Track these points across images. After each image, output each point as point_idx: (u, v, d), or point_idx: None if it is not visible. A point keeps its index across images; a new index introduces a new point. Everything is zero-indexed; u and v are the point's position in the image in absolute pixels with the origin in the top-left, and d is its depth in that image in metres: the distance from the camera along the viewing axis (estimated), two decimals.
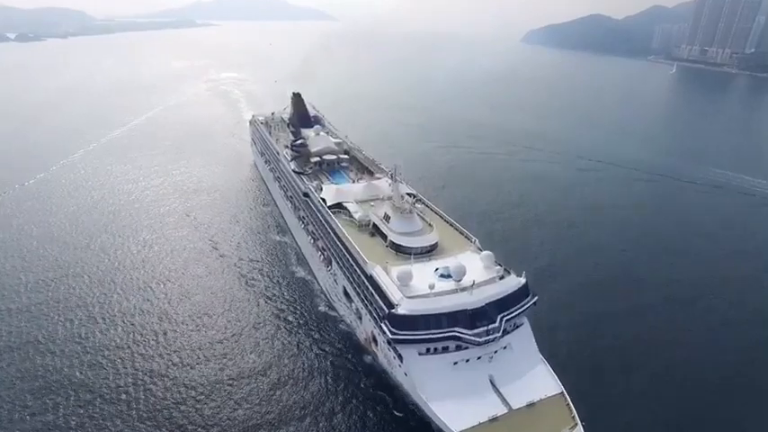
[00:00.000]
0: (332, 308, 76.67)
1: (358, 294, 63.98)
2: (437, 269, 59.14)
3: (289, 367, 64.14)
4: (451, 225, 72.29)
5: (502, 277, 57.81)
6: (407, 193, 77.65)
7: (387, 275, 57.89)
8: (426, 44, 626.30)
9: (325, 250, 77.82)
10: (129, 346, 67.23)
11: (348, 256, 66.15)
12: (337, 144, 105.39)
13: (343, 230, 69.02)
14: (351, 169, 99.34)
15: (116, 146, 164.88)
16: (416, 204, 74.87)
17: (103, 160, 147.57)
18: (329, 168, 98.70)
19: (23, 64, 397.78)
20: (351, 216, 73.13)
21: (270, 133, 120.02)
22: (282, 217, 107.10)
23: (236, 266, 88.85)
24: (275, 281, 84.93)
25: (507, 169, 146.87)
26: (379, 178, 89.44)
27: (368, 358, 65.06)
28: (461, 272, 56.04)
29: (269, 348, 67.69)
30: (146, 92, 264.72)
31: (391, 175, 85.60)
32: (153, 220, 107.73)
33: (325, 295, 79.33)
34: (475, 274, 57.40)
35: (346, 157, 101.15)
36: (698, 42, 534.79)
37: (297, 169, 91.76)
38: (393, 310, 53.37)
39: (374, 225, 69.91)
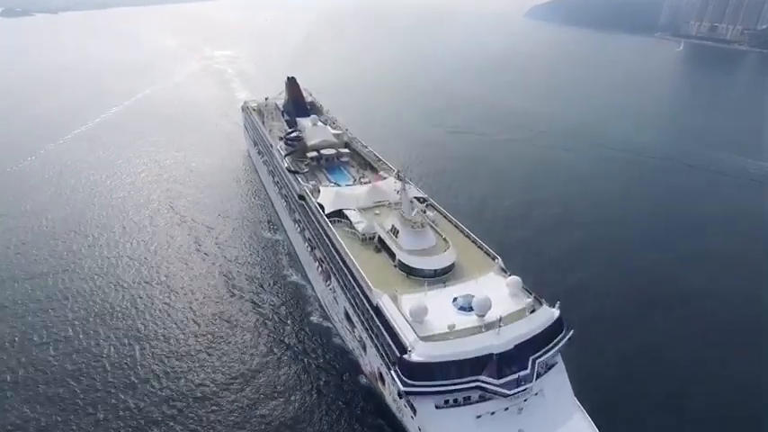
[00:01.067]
0: (326, 318, 69.12)
1: (362, 323, 55.22)
2: (456, 299, 50.13)
3: (272, 384, 57.88)
4: (468, 237, 63.04)
5: (533, 310, 48.84)
6: (417, 198, 68.47)
7: (396, 308, 48.94)
8: (428, 19, 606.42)
9: (323, 262, 68.86)
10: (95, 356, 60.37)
11: (350, 277, 57.21)
12: (336, 136, 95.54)
13: (345, 246, 59.88)
14: (351, 165, 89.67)
15: (106, 129, 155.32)
16: (427, 212, 65.64)
17: (91, 145, 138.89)
18: (328, 164, 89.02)
19: (10, 41, 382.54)
20: (352, 227, 63.81)
21: (263, 122, 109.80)
22: (276, 212, 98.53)
23: (220, 267, 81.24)
24: (264, 285, 77.46)
25: (518, 158, 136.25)
26: (383, 177, 79.98)
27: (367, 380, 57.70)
28: (486, 306, 47.06)
29: (251, 363, 61.08)
30: (139, 71, 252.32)
31: (398, 174, 76.66)
32: (133, 212, 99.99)
33: (319, 303, 71.90)
34: (500, 304, 48.46)
35: (346, 151, 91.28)
36: (707, 18, 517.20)
37: (291, 168, 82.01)
38: (405, 356, 44.54)
39: (380, 239, 60.69)
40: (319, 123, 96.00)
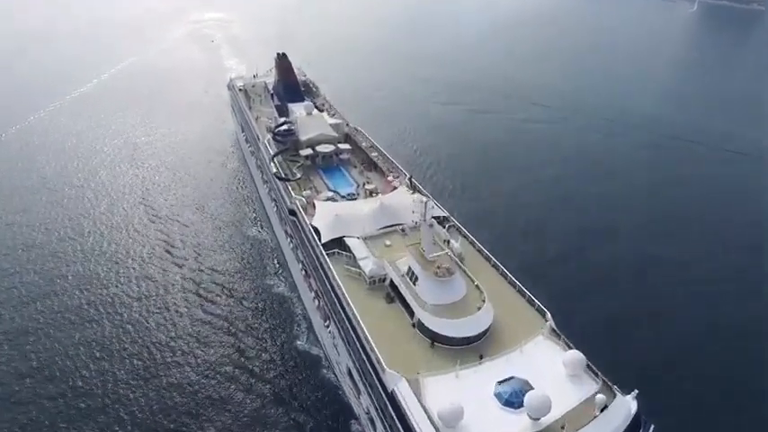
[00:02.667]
0: (315, 343, 59.53)
1: (372, 402, 42.53)
2: (499, 386, 36.99)
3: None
4: (504, 277, 49.51)
5: (605, 406, 35.76)
6: (437, 218, 54.59)
7: (418, 400, 35.89)
8: None
9: (320, 297, 55.73)
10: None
11: (356, 342, 44.04)
12: (335, 127, 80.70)
13: (347, 295, 46.35)
14: (353, 164, 75.35)
15: (82, 105, 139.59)
16: (451, 241, 51.84)
17: (60, 125, 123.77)
18: (325, 164, 74.56)
19: None
20: (356, 264, 50.07)
21: (250, 106, 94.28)
22: (264, 209, 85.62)
23: (193, 274, 71.09)
24: (243, 298, 67.27)
25: (546, 146, 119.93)
26: (392, 184, 65.94)
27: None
28: (544, 407, 33.97)
29: (221, 401, 52.01)
30: (123, 37, 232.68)
31: (410, 180, 62.85)
32: (98, 205, 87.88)
33: (308, 324, 62.42)
34: (558, 393, 35.44)
35: (347, 147, 76.51)
36: None
37: (281, 174, 67.49)
38: None
39: (392, 284, 47.14)
40: (315, 112, 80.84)
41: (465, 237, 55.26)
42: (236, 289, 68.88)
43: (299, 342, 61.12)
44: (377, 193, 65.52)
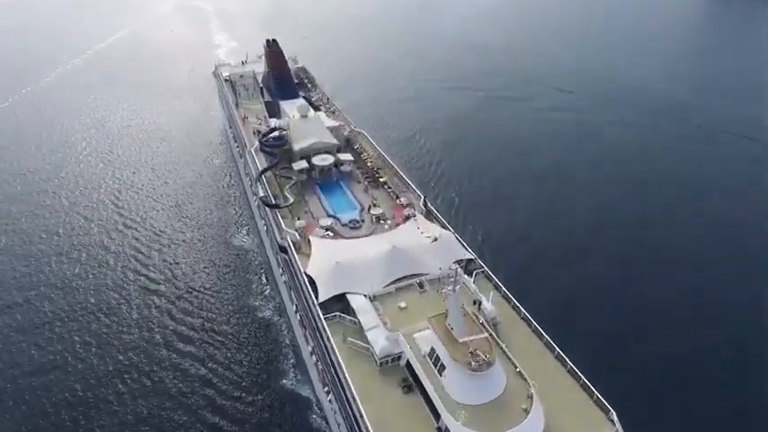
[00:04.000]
0: (305, 382, 50.92)
1: None
2: None
3: None
4: (550, 349, 39.03)
5: None
6: (460, 263, 44.01)
7: None
8: None
9: (318, 360, 45.45)
10: None
11: None
12: (334, 130, 69.03)
13: (353, 382, 35.95)
14: (356, 178, 64.01)
15: (61, 88, 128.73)
16: (482, 302, 41.20)
17: (29, 113, 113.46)
18: (323, 178, 63.21)
19: None
20: (363, 337, 39.43)
21: (237, 103, 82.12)
22: (251, 211, 75.56)
23: (167, 293, 62.10)
24: (223, 322, 58.23)
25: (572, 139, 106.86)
26: (403, 208, 54.94)
27: None
28: None
29: None
30: (107, 11, 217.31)
31: (424, 202, 52.15)
32: (58, 213, 77.79)
33: (294, 355, 53.96)
34: None
35: (349, 157, 64.96)
36: None
37: (269, 200, 56.01)
38: None
39: (409, 367, 36.70)
40: (310, 113, 68.81)
41: (496, 287, 44.50)
42: (215, 312, 59.83)
43: (285, 381, 52.05)
44: (385, 220, 54.80)
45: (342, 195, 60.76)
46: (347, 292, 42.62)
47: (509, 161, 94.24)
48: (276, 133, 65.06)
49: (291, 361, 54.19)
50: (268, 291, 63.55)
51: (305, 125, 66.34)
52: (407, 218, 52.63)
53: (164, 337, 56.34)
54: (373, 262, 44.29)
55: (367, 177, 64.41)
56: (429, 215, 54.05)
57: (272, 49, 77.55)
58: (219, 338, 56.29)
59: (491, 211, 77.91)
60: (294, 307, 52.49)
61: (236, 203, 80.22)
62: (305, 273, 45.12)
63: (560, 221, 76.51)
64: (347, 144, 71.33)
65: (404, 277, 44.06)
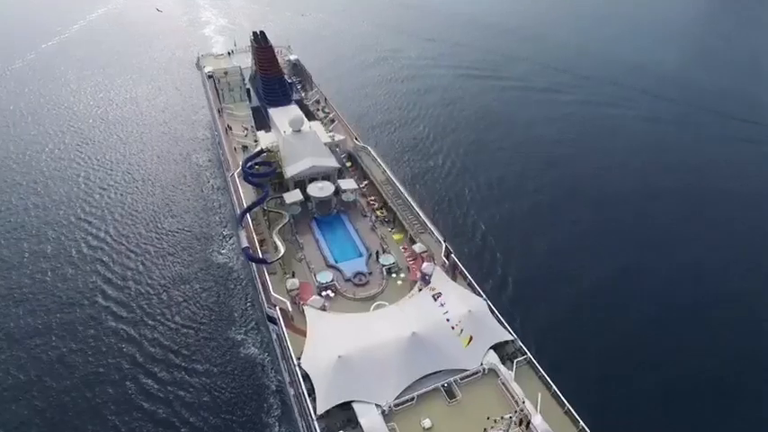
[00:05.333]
0: None
1: None
2: None
3: None
4: None
5: None
6: (494, 349, 33.88)
7: None
8: None
9: None
10: None
11: None
12: (334, 146, 57.75)
13: None
14: (361, 211, 53.05)
15: (34, 73, 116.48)
16: (531, 422, 30.87)
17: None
18: (321, 211, 52.26)
19: None
20: None
21: (220, 108, 70.26)
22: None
23: (133, 330, 52.28)
24: (199, 360, 49.26)
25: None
26: (419, 257, 44.29)
27: None
28: None
29: None
30: None
31: (446, 252, 41.80)
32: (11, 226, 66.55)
33: (281, 404, 45.18)
34: None
35: (352, 186, 53.66)
36: None
37: (255, 254, 44.74)
38: None
39: None
40: (305, 126, 56.73)
41: (546, 385, 34.10)
42: (189, 346, 50.69)
43: None
44: (398, 273, 44.30)
45: (344, 236, 49.94)
46: (354, 401, 32.23)
47: (549, 177, 78.12)
48: (264, 155, 53.53)
49: (277, 413, 45.16)
50: (253, 323, 53.76)
51: (299, 143, 54.83)
52: (425, 277, 41.78)
53: (124, 371, 47.91)
54: (387, 356, 33.80)
55: (374, 208, 53.42)
56: (453, 269, 43.34)
57: (261, 45, 65.00)
58: (193, 379, 47.44)
59: (533, 259, 61.46)
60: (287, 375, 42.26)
61: (220, 211, 69.52)
62: (298, 364, 34.69)
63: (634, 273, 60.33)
64: (349, 160, 60.24)
65: (426, 376, 33.64)
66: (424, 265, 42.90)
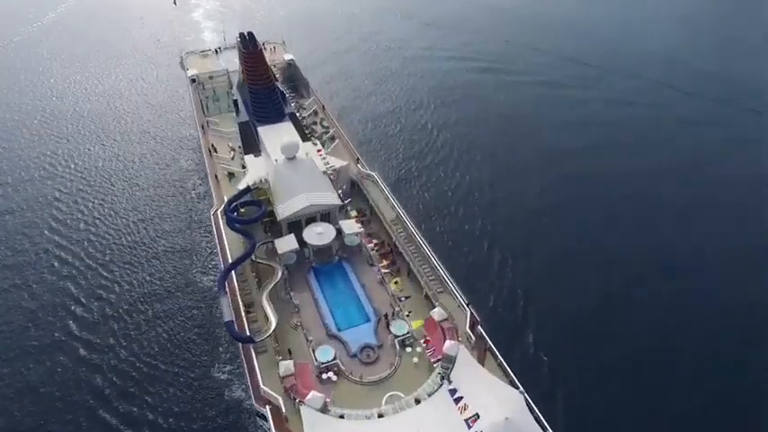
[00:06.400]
0: None
1: None
2: None
3: None
4: None
5: None
6: None
7: None
8: None
9: None
10: None
11: None
12: (335, 176, 49.37)
13: None
14: (366, 258, 45.02)
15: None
16: None
17: None
18: (320, 259, 44.28)
19: None
20: None
21: (204, 122, 61.37)
22: None
23: (102, 363, 45.69)
24: (177, 413, 41.41)
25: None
26: (441, 325, 36.72)
27: None
28: None
29: None
30: None
31: (471, 324, 34.21)
32: None
33: None
34: None
35: (358, 229, 45.53)
36: None
37: (240, 334, 36.45)
38: None
39: None
40: (301, 152, 48.08)
41: None
42: (165, 386, 43.61)
43: None
44: (413, 346, 36.96)
45: (347, 293, 42.14)
46: None
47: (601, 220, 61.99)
48: (249, 194, 45.21)
49: None
50: (237, 357, 46.02)
51: (293, 174, 46.47)
52: (448, 359, 33.93)
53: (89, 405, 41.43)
54: None
55: (382, 254, 45.37)
56: (481, 345, 35.59)
57: (249, 49, 55.56)
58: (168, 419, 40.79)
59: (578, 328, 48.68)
60: None
61: (206, 222, 60.47)
62: None
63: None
64: (352, 190, 51.92)
65: None
66: (447, 344, 34.95)
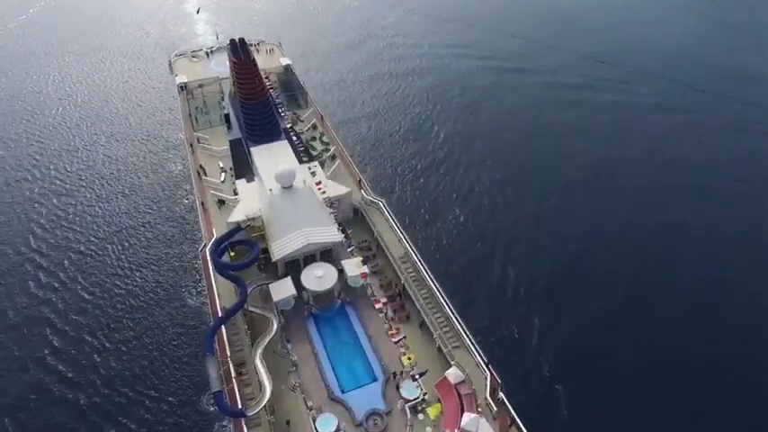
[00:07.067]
0: None
1: None
2: None
3: None
4: None
5: None
6: None
7: None
8: None
9: None
10: None
11: None
12: (337, 204, 44.60)
13: None
14: (370, 303, 40.41)
15: None
16: None
17: None
18: (321, 303, 39.84)
19: None
20: None
21: (193, 143, 56.22)
22: None
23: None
24: None
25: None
26: (457, 390, 32.46)
27: None
28: None
29: None
30: None
31: (493, 385, 29.89)
32: None
33: None
34: None
35: (361, 269, 40.76)
36: None
37: (225, 402, 32.11)
38: None
39: None
40: (298, 181, 42.97)
41: None
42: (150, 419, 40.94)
43: None
44: (424, 411, 32.50)
45: (352, 345, 37.91)
46: None
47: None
48: (240, 233, 40.49)
49: None
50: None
51: (289, 207, 41.69)
52: (463, 415, 29.72)
53: None
54: None
55: (389, 295, 40.88)
56: (501, 411, 31.42)
57: (241, 59, 49.91)
58: None
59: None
60: None
61: (197, 237, 56.37)
62: None
63: None
64: (355, 217, 47.20)
65: None
66: (465, 419, 30.63)
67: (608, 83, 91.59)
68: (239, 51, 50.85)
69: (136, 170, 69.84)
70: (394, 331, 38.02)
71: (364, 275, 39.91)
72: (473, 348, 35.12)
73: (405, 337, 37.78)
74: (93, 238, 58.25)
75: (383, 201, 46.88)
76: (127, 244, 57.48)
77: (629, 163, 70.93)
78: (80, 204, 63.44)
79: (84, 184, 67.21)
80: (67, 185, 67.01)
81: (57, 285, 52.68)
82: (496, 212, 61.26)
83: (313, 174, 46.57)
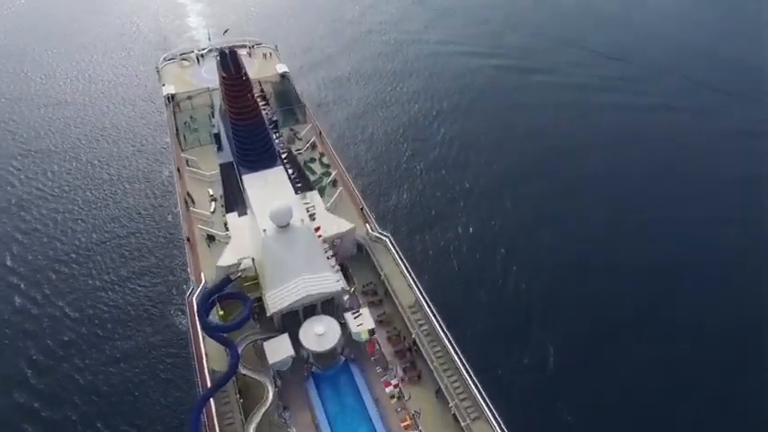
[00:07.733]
0: None
1: None
2: None
3: None
4: None
5: None
6: None
7: None
8: None
9: None
10: None
11: None
12: (339, 242, 40.24)
13: None
14: (380, 360, 36.12)
15: None
16: None
17: None
18: (322, 362, 35.54)
19: None
20: None
21: (181, 168, 51.32)
22: None
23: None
24: None
25: None
26: None
27: None
28: None
29: None
30: None
31: None
32: None
33: None
34: None
35: (366, 324, 36.15)
36: None
37: None
38: None
39: None
40: (295, 219, 37.95)
41: None
42: None
43: None
44: None
45: (357, 415, 33.60)
46: None
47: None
48: (233, 282, 35.88)
49: None
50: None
51: (286, 250, 37.04)
52: None
53: None
54: None
55: (398, 350, 36.52)
56: None
57: (231, 74, 44.48)
58: None
59: None
60: None
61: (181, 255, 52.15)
62: None
63: None
64: (360, 254, 42.63)
65: None
66: None
67: (615, 81, 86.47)
68: (229, 64, 45.45)
69: (124, 175, 65.99)
70: (406, 421, 33.14)
71: (371, 347, 35.72)
72: (495, 422, 30.86)
73: (417, 413, 33.26)
74: (78, 249, 54.89)
75: (390, 237, 42.14)
76: (115, 255, 53.93)
77: (637, 164, 66.42)
78: (66, 212, 59.62)
79: (68, 190, 63.32)
80: (54, 192, 63.13)
81: (39, 298, 49.17)
82: (528, 249, 54.54)
83: (311, 216, 40.76)
